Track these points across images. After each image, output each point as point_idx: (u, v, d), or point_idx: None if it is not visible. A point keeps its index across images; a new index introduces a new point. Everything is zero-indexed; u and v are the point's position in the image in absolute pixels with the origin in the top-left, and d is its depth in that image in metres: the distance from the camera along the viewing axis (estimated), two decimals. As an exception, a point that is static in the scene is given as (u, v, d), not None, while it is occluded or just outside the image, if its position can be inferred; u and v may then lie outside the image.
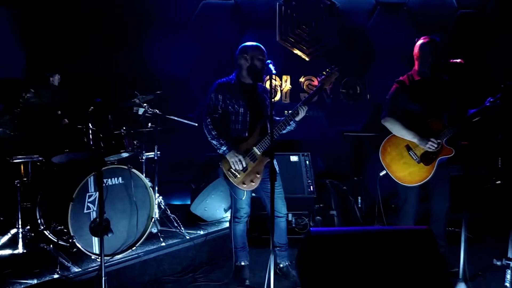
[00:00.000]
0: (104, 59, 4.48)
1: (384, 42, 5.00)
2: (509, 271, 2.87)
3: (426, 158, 3.15)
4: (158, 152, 3.82)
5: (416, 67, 3.26)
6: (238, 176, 2.99)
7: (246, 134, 3.03)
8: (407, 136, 3.17)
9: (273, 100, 2.72)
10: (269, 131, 2.98)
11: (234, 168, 2.97)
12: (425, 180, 3.17)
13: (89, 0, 4.55)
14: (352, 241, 2.25)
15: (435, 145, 3.07)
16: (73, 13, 4.51)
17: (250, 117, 3.04)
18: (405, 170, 3.21)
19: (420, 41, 3.26)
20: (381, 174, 3.57)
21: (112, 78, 4.37)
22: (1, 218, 3.13)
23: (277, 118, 3.09)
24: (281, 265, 3.26)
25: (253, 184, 3.02)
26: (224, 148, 2.96)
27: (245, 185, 3.00)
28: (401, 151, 3.23)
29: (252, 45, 3.06)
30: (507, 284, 2.85)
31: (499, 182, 4.28)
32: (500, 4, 5.06)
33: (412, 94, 3.19)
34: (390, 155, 3.26)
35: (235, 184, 3.01)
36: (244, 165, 2.97)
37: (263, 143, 2.99)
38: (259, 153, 3.00)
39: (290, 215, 4.33)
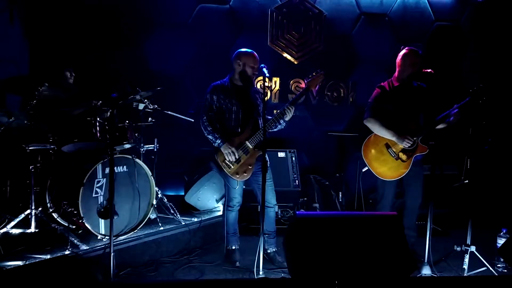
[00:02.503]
0: (106, 57, 4.66)
1: (367, 49, 5.32)
2: (467, 256, 3.27)
3: (403, 155, 3.45)
4: (157, 145, 4.11)
5: (396, 74, 3.56)
6: (232, 167, 3.30)
7: (239, 129, 3.34)
8: (386, 135, 3.46)
9: (265, 100, 3.09)
10: (260, 128, 3.31)
11: (228, 159, 3.29)
12: (403, 175, 3.46)
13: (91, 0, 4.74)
14: (332, 223, 2.60)
15: (411, 142, 3.38)
16: (76, 12, 4.67)
17: (242, 115, 3.35)
18: (385, 166, 3.50)
19: (402, 51, 3.53)
20: (364, 170, 3.93)
21: (114, 74, 4.57)
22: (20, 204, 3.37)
23: (268, 117, 3.38)
24: (269, 251, 3.56)
25: (245, 175, 3.34)
26: (219, 141, 3.28)
27: (238, 176, 3.32)
28: (381, 148, 3.52)
29: (246, 52, 3.38)
30: (465, 267, 3.26)
31: (466, 181, 4.67)
32: (472, 17, 5.43)
33: (391, 98, 3.49)
34: (371, 152, 3.55)
35: (229, 175, 3.32)
36: (237, 157, 3.29)
37: (255, 138, 3.31)
38: (251, 146, 3.31)
39: (276, 207, 4.69)
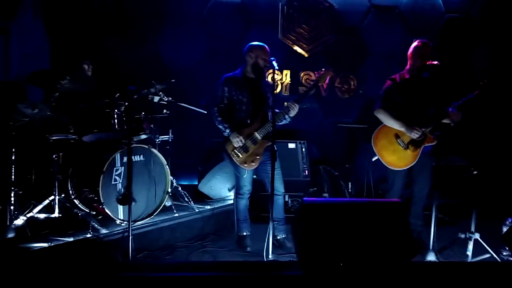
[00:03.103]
0: (123, 50, 4.79)
1: (377, 41, 5.36)
2: (471, 243, 3.37)
3: (412, 145, 3.55)
4: (172, 136, 4.27)
5: (407, 66, 3.63)
6: (241, 156, 3.45)
7: (249, 121, 3.48)
8: (396, 125, 3.55)
9: (274, 92, 3.21)
10: (269, 120, 3.44)
11: (236, 148, 3.43)
12: (411, 164, 3.54)
13: None
14: (337, 209, 2.72)
15: (419, 133, 3.46)
16: (94, 7, 4.85)
17: (252, 107, 3.48)
18: (394, 155, 3.59)
19: (414, 43, 3.61)
20: (373, 159, 4.02)
21: (130, 67, 4.70)
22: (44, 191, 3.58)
23: (277, 110, 3.47)
24: (278, 237, 3.70)
25: (253, 164, 3.47)
26: (228, 131, 3.43)
27: (246, 165, 3.46)
28: (391, 139, 3.60)
29: (258, 45, 3.50)
30: (468, 253, 3.35)
31: (475, 172, 4.74)
32: (483, 8, 5.44)
33: (402, 90, 3.56)
34: (381, 142, 3.64)
35: (237, 163, 3.47)
36: (245, 146, 3.42)
37: (264, 129, 3.43)
38: (259, 137, 3.44)
39: (286, 196, 4.80)
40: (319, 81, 3.48)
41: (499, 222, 3.79)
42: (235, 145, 3.42)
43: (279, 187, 3.62)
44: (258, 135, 3.44)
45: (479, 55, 5.47)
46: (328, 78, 3.53)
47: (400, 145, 3.59)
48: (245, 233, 3.72)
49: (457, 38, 5.44)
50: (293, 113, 3.39)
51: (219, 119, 3.45)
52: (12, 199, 3.18)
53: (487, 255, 3.37)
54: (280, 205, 3.68)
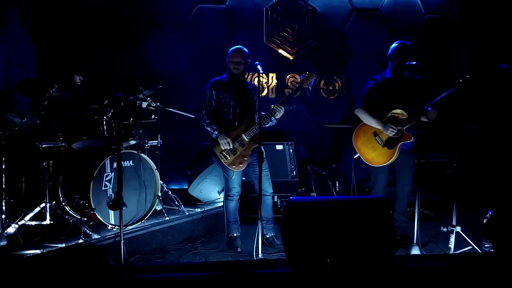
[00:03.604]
0: (110, 57, 4.85)
1: (359, 43, 5.49)
2: (452, 236, 3.50)
3: (389, 143, 3.66)
4: (161, 141, 4.34)
5: (389, 66, 3.77)
6: (229, 158, 3.54)
7: (236, 123, 3.58)
8: (374, 123, 3.68)
9: (260, 95, 3.31)
10: (256, 122, 3.52)
11: (224, 149, 3.51)
12: (389, 161, 3.66)
13: (96, 2, 4.90)
14: (323, 207, 2.82)
15: (395, 131, 3.59)
16: (79, 16, 4.85)
17: (239, 109, 3.58)
18: (373, 152, 3.72)
19: (392, 45, 3.74)
20: (355, 156, 4.15)
21: (117, 74, 4.75)
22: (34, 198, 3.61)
23: (263, 113, 3.55)
24: (267, 236, 3.79)
25: (241, 165, 3.56)
26: (216, 133, 3.52)
27: (234, 166, 3.55)
28: (370, 137, 3.74)
29: (230, 51, 3.59)
30: (450, 246, 3.48)
31: (459, 168, 4.87)
32: (461, 9, 5.59)
33: (383, 90, 3.70)
34: (361, 140, 3.80)
35: (226, 165, 3.56)
36: (233, 148, 3.51)
37: (251, 131, 3.53)
38: (247, 139, 3.54)
39: (275, 197, 4.88)
40: (304, 84, 3.59)
41: (481, 215, 3.93)
42: (223, 147, 3.51)
43: (268, 187, 3.71)
44: (245, 137, 3.53)
45: (458, 55, 5.62)
46: (312, 81, 3.63)
47: (378, 142, 3.72)
48: (235, 234, 3.79)
49: (437, 38, 5.59)
50: (279, 115, 3.50)
51: (207, 121, 3.55)
52: (4, 207, 3.21)
53: (469, 247, 3.51)
54: (268, 205, 3.77)
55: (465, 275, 2.68)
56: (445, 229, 3.54)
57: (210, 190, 4.72)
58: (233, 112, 3.58)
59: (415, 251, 3.45)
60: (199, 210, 4.27)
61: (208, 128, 3.57)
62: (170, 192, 4.20)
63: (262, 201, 3.60)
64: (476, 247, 3.51)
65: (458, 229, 3.49)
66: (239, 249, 3.74)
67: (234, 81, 3.61)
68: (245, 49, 3.61)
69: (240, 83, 3.63)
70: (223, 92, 3.57)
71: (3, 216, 3.19)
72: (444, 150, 5.10)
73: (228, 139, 3.49)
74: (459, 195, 3.67)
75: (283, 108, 3.49)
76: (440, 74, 5.25)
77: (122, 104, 3.47)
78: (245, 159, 3.57)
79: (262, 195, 3.61)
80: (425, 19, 5.62)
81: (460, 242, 3.51)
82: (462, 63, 5.55)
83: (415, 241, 3.47)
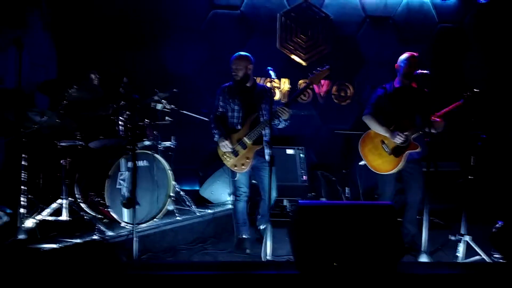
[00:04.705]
0: (128, 60, 4.97)
1: (372, 50, 5.55)
2: (460, 244, 3.51)
3: (396, 151, 3.71)
4: (175, 142, 4.43)
5: (398, 76, 3.83)
6: (230, 159, 3.64)
7: (239, 127, 3.67)
8: (381, 131, 3.74)
9: (272, 99, 3.38)
10: (257, 125, 3.59)
11: (226, 151, 3.62)
12: (395, 170, 3.69)
13: (114, 6, 5.03)
14: (331, 211, 2.87)
15: (402, 139, 3.64)
16: (99, 19, 5.01)
17: (243, 113, 3.68)
18: (379, 160, 3.77)
19: (402, 56, 3.80)
20: (361, 163, 4.19)
21: (133, 76, 4.90)
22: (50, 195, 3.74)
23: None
24: (260, 228, 3.99)
25: (244, 167, 3.63)
26: (217, 136, 3.67)
27: (236, 167, 3.65)
28: (376, 144, 3.80)
29: (232, 58, 3.67)
30: (458, 254, 3.50)
31: (470, 177, 4.88)
32: (475, 18, 5.62)
33: (391, 99, 3.75)
34: (368, 147, 3.85)
35: (228, 166, 3.68)
36: (234, 150, 3.61)
37: (252, 134, 3.59)
38: (249, 142, 3.61)
39: (285, 201, 4.97)
40: (312, 82, 3.65)
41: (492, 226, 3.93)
42: (223, 150, 3.62)
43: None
44: (247, 140, 3.61)
45: (471, 64, 5.63)
46: (323, 77, 3.68)
47: (385, 150, 3.76)
48: (244, 236, 3.85)
49: (450, 47, 5.61)
50: (284, 116, 3.51)
51: (212, 125, 3.74)
52: (23, 202, 3.33)
53: (478, 257, 3.51)
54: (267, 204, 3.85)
55: (469, 283, 2.71)
56: (453, 238, 3.55)
57: (220, 192, 4.79)
58: (237, 116, 3.70)
59: (423, 258, 3.47)
60: (209, 211, 4.34)
61: (213, 131, 3.74)
62: (182, 193, 4.29)
63: (262, 202, 3.87)
64: (484, 257, 3.51)
65: (467, 238, 3.49)
66: (248, 251, 3.79)
67: (238, 86, 3.71)
68: (247, 55, 3.68)
69: (244, 88, 3.72)
70: (228, 97, 3.70)
71: (22, 210, 3.30)
72: (455, 159, 5.10)
73: (227, 142, 3.58)
74: (468, 204, 3.68)
75: (287, 109, 3.49)
76: (453, 83, 5.26)
77: (137, 106, 3.58)
78: (248, 161, 3.62)
79: (264, 198, 3.78)
80: (438, 28, 5.65)
81: (469, 251, 3.52)
82: (476, 72, 5.57)
83: (423, 249, 3.50)
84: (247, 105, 3.68)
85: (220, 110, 3.75)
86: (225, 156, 3.66)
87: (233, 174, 3.71)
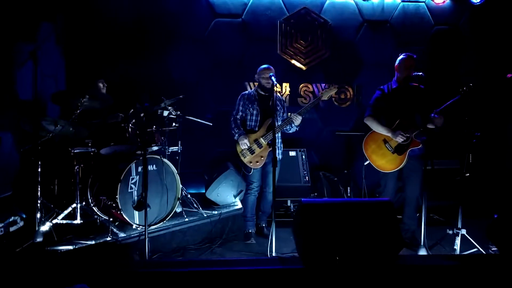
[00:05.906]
0: (134, 67, 5.08)
1: (370, 54, 5.69)
2: (458, 238, 3.65)
3: (399, 149, 3.86)
4: (181, 147, 4.61)
5: (395, 77, 4.00)
6: (247, 156, 4.12)
7: (257, 129, 4.16)
8: (383, 131, 3.90)
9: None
10: (272, 128, 3.78)
11: (244, 149, 4.06)
12: (399, 167, 3.85)
13: (121, 18, 5.16)
14: (333, 208, 3.03)
15: (404, 137, 3.80)
16: (106, 30, 5.17)
17: (261, 117, 4.17)
18: (383, 159, 3.92)
19: (400, 57, 3.95)
20: (365, 163, 4.34)
21: (140, 84, 5.05)
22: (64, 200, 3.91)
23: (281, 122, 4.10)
24: (260, 225, 4.47)
25: (258, 164, 4.11)
26: (237, 135, 4.12)
27: (251, 163, 4.13)
28: (379, 144, 3.95)
29: (261, 68, 4.19)
30: (455, 247, 3.64)
31: (468, 174, 5.00)
32: (470, 20, 5.75)
33: (390, 99, 3.92)
34: (371, 147, 4.01)
35: (244, 162, 4.13)
36: (251, 148, 4.09)
37: (268, 135, 4.05)
38: (264, 142, 4.10)
39: (288, 201, 5.12)
40: (322, 96, 4.10)
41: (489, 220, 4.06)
42: (242, 147, 4.08)
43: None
44: (263, 140, 4.11)
45: (467, 65, 5.75)
46: (331, 95, 4.16)
47: (388, 149, 3.91)
48: (250, 230, 4.29)
49: (446, 49, 5.74)
50: (297, 122, 4.04)
51: (232, 125, 4.19)
52: (39, 207, 3.51)
53: (475, 250, 3.66)
54: (269, 201, 4.30)
55: (466, 274, 2.85)
56: (450, 232, 3.69)
57: (226, 194, 4.92)
58: (255, 120, 4.19)
59: (422, 252, 3.62)
60: (216, 212, 4.49)
61: (233, 132, 4.17)
62: (189, 196, 4.45)
63: (263, 197, 4.35)
64: (481, 249, 3.65)
65: (463, 231, 3.64)
66: (253, 240, 4.24)
67: (263, 93, 4.18)
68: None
69: (267, 95, 4.16)
70: (248, 103, 4.21)
71: (39, 215, 3.48)
72: (453, 157, 5.23)
73: (246, 140, 4.06)
74: (465, 200, 3.81)
75: (300, 116, 4.02)
76: (450, 84, 5.38)
77: (146, 113, 3.76)
78: (262, 158, 4.12)
79: (265, 191, 4.27)
80: (434, 30, 5.78)
81: (467, 245, 3.66)
82: (472, 73, 5.68)
83: (422, 243, 3.65)
84: (264, 111, 4.17)
85: (240, 113, 4.22)
86: (242, 153, 4.10)
87: (248, 168, 4.14)
